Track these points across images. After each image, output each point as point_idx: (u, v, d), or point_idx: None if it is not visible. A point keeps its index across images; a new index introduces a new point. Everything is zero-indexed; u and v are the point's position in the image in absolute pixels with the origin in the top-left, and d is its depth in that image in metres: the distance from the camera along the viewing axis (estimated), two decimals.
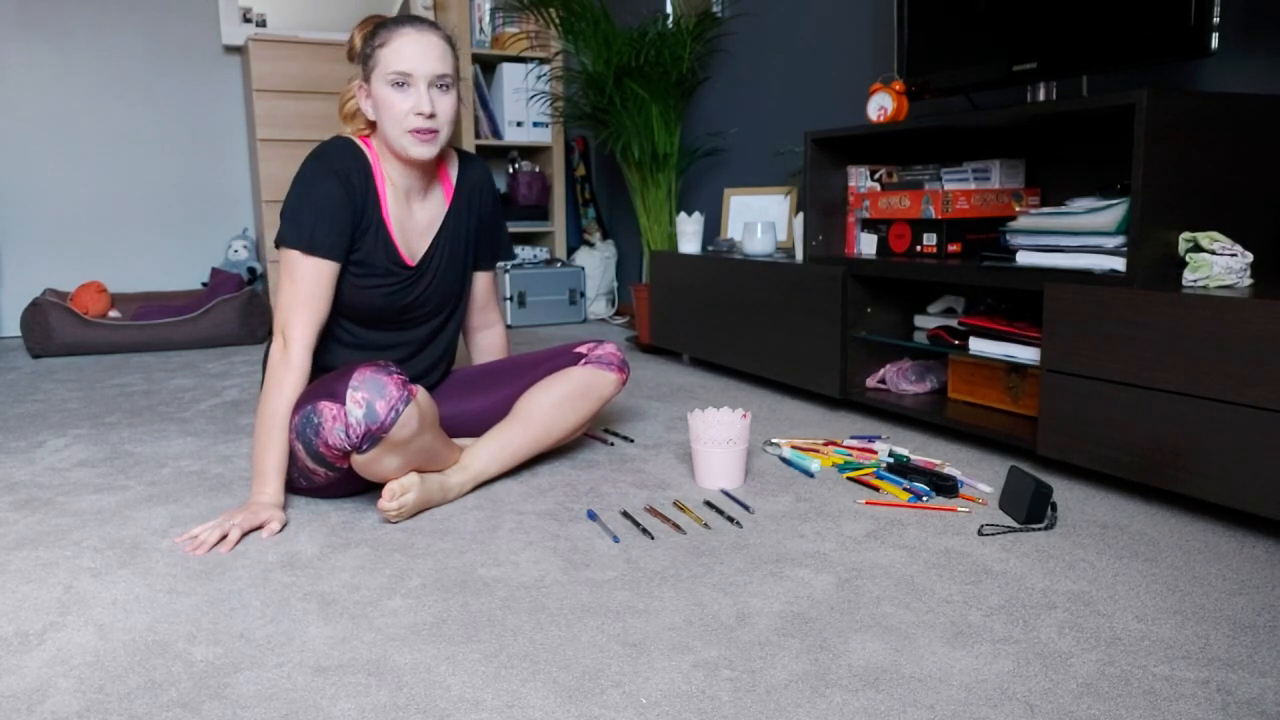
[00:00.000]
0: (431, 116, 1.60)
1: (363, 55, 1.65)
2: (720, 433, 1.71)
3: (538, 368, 1.87)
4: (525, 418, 1.78)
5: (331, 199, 1.61)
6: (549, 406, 1.79)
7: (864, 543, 1.45)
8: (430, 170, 1.75)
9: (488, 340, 2.02)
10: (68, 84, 3.95)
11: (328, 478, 1.59)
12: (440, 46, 1.62)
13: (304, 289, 1.61)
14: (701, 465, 1.74)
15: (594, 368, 1.84)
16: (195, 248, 4.24)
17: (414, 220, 1.74)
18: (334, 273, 1.64)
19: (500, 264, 1.79)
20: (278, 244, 1.63)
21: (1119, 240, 1.69)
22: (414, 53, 1.59)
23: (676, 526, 1.52)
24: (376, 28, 1.64)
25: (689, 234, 3.04)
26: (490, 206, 1.89)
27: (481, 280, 1.96)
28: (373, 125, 1.71)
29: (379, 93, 1.62)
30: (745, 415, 1.74)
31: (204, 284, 4.02)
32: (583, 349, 1.87)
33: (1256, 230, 1.71)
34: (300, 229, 1.60)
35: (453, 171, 1.83)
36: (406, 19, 1.64)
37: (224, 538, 1.46)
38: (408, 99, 1.60)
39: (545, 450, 1.85)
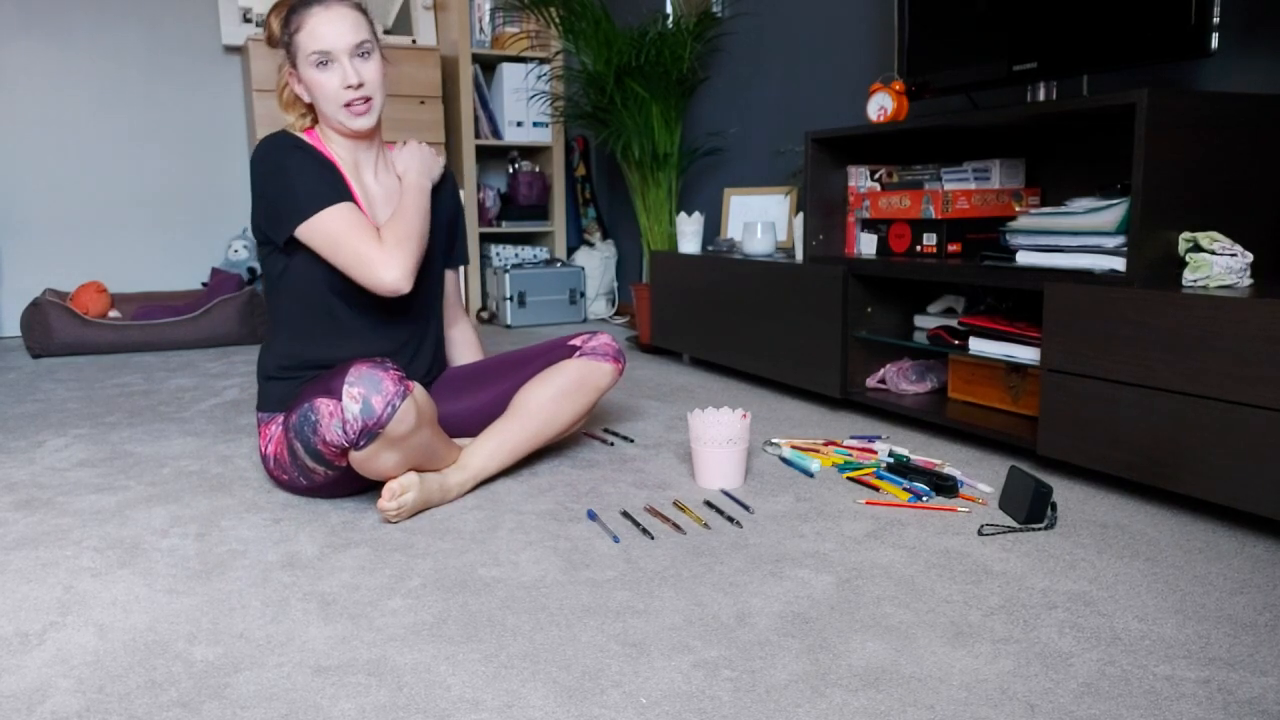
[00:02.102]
0: (360, 86, 1.64)
1: (283, 43, 1.67)
2: (720, 432, 1.71)
3: (533, 363, 1.86)
4: (523, 413, 1.78)
5: (309, 163, 1.63)
6: (546, 401, 1.79)
7: (864, 543, 1.45)
8: (375, 141, 1.77)
9: (459, 334, 2.03)
10: (67, 84, 3.95)
11: (327, 476, 1.59)
12: (351, 16, 1.64)
13: (356, 226, 1.59)
14: (701, 465, 1.74)
15: (589, 359, 1.83)
16: (195, 248, 4.24)
17: (371, 191, 1.76)
18: (359, 210, 1.63)
19: (464, 266, 1.84)
20: (293, 226, 1.60)
21: (1119, 240, 1.69)
22: (328, 30, 1.61)
23: (676, 526, 1.52)
24: (289, 13, 1.66)
25: (689, 234, 3.04)
26: (455, 207, 1.93)
27: (452, 277, 1.99)
28: (311, 108, 1.74)
29: (307, 76, 1.65)
30: (745, 415, 1.74)
31: (204, 284, 4.02)
32: (577, 341, 1.86)
33: (1256, 230, 1.71)
34: (305, 196, 1.59)
35: None
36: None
37: None
38: (334, 76, 1.63)
39: (544, 445, 1.85)
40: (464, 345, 2.03)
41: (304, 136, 1.71)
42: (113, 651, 1.13)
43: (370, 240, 1.59)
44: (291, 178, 1.61)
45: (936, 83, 2.21)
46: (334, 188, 1.62)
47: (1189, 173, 1.62)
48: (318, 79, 1.63)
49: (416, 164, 1.76)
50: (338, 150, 1.72)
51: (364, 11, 1.68)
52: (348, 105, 1.64)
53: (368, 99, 1.65)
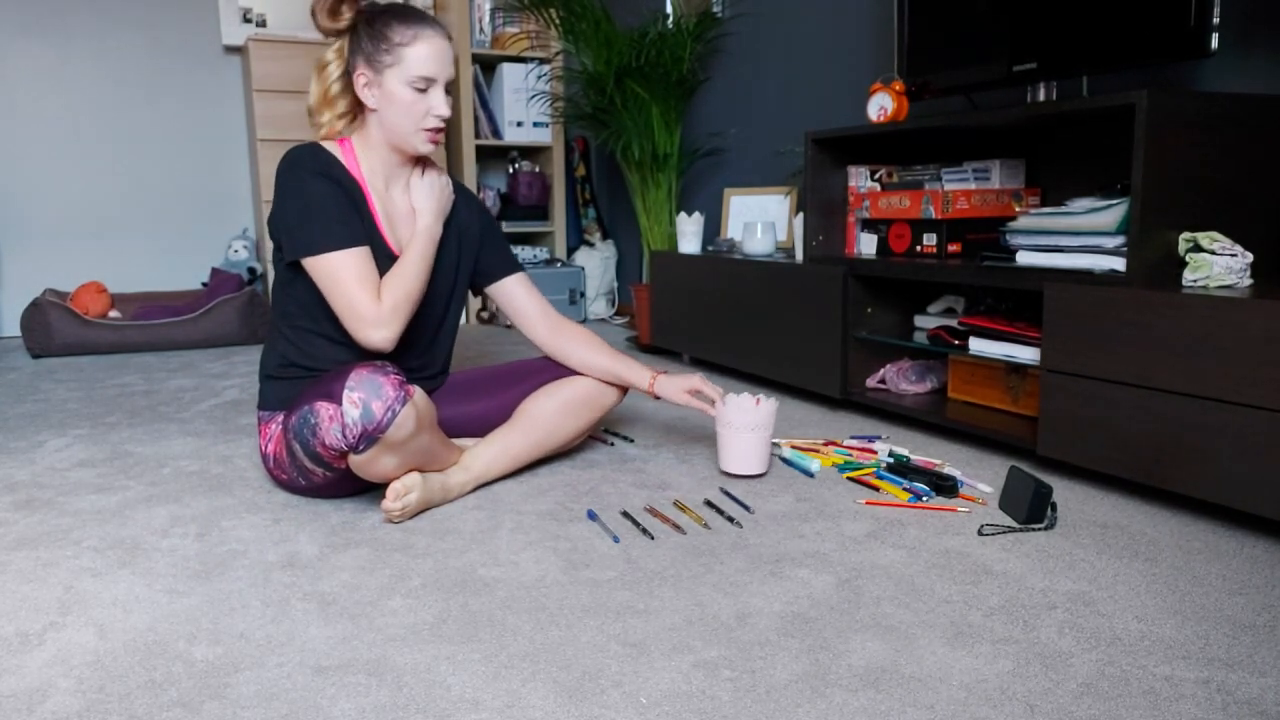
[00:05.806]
0: (445, 120, 1.66)
1: (373, 47, 1.62)
2: (748, 419, 1.74)
3: (541, 373, 1.87)
4: (527, 422, 1.78)
5: (330, 194, 1.61)
6: (551, 413, 1.80)
7: (864, 543, 1.45)
8: (412, 159, 1.75)
9: (574, 341, 1.85)
10: (68, 84, 3.95)
11: (325, 478, 1.59)
12: (452, 52, 1.67)
13: (360, 276, 1.58)
14: (727, 450, 1.77)
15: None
16: (195, 248, 4.24)
17: (397, 206, 1.74)
18: (370, 255, 1.62)
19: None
20: (300, 255, 1.59)
21: (1119, 240, 1.69)
22: (437, 58, 1.63)
23: (676, 526, 1.52)
24: (389, 19, 1.62)
25: (689, 234, 3.04)
26: (481, 222, 1.87)
27: (517, 287, 1.88)
28: (354, 112, 1.71)
29: (395, 90, 1.62)
30: (759, 401, 1.77)
31: (204, 284, 4.02)
32: None
33: (1256, 230, 1.71)
34: (319, 231, 1.58)
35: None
36: (417, 16, 1.64)
37: None
38: (426, 101, 1.63)
39: (545, 456, 1.85)
40: (592, 347, 1.84)
41: (335, 149, 1.68)
42: (113, 651, 1.13)
43: (369, 295, 1.58)
44: (311, 207, 1.59)
45: (936, 83, 2.21)
46: (350, 227, 1.60)
47: (1189, 173, 1.62)
48: (408, 98, 1.62)
49: (434, 206, 1.72)
50: (371, 163, 1.70)
51: None
52: (427, 130, 1.65)
53: (443, 130, 1.67)
